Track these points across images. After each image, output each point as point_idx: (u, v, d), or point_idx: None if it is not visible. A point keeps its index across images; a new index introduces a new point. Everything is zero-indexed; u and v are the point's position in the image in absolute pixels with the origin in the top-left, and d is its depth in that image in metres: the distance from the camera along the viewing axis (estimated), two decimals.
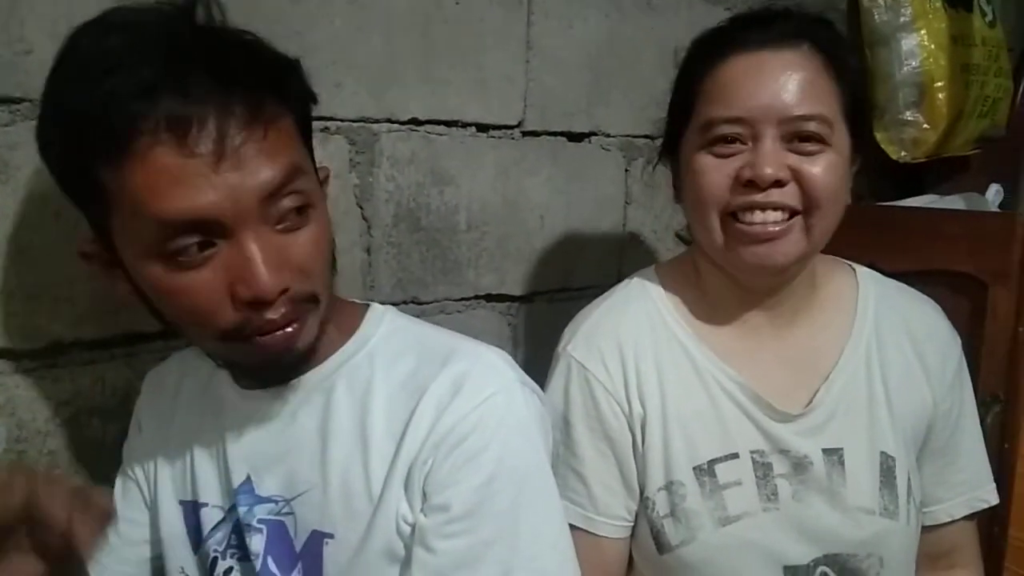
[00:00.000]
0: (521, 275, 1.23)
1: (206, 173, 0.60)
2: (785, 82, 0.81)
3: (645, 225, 1.36)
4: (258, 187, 0.62)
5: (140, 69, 0.59)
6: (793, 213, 0.82)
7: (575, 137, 1.26)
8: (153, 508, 0.82)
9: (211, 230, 0.62)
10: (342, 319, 0.78)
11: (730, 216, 0.84)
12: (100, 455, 0.89)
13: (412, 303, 1.13)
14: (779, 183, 0.81)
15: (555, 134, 1.23)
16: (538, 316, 1.25)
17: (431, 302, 1.14)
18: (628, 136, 1.31)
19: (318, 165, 0.74)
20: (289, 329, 0.67)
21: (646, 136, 1.32)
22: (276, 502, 0.75)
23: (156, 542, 0.83)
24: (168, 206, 0.60)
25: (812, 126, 0.81)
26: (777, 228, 0.82)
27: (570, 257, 1.28)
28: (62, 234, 0.83)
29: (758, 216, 0.82)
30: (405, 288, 1.12)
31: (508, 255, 1.21)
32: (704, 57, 0.87)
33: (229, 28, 0.67)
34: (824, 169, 0.81)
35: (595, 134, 1.28)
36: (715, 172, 0.83)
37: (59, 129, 0.64)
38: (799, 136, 0.81)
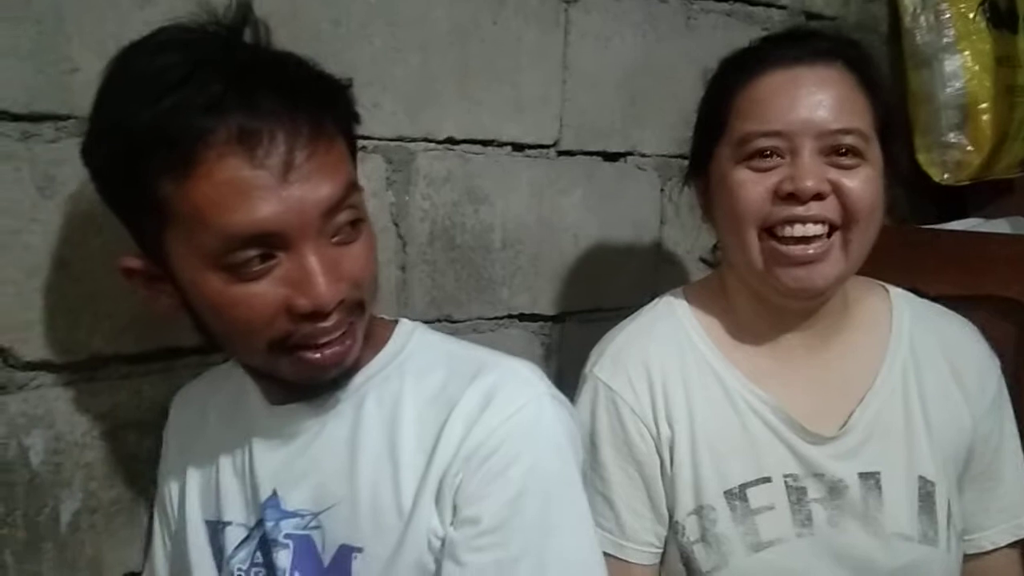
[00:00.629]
0: (555, 294, 1.22)
1: (273, 186, 0.62)
2: (822, 97, 0.81)
3: (680, 245, 1.35)
4: (321, 201, 0.64)
5: (206, 85, 0.61)
6: (832, 229, 0.82)
7: (610, 157, 1.25)
8: (180, 528, 0.83)
9: (274, 242, 0.64)
10: (372, 333, 0.78)
11: (767, 233, 0.83)
12: (136, 468, 0.90)
13: (445, 321, 1.13)
14: (819, 196, 0.80)
15: (590, 154, 1.23)
16: (571, 336, 1.24)
17: (464, 320, 1.14)
18: (664, 156, 1.30)
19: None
20: (338, 347, 0.68)
21: (682, 156, 1.30)
22: (303, 516, 0.75)
23: (179, 560, 0.83)
24: (235, 218, 0.62)
25: (849, 140, 0.81)
26: (817, 251, 0.81)
27: (604, 277, 1.27)
28: (104, 249, 0.84)
29: (798, 230, 0.81)
30: (439, 306, 1.11)
31: (542, 274, 1.20)
32: (737, 73, 0.87)
33: (282, 50, 0.69)
34: (863, 182, 0.81)
35: (631, 154, 1.27)
36: (754, 185, 0.82)
37: (116, 145, 0.64)
38: (836, 150, 0.81)
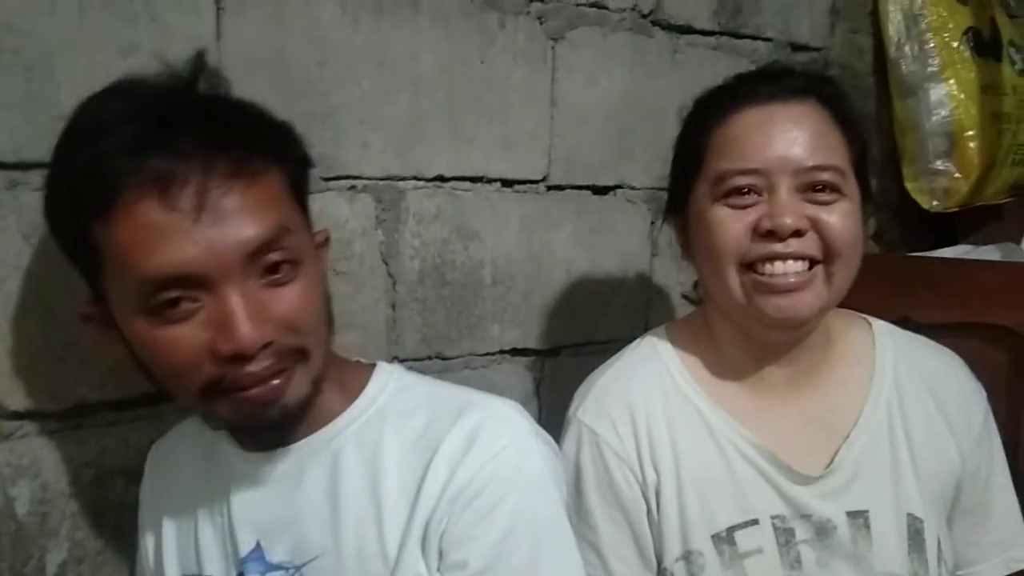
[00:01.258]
0: (546, 330, 1.22)
1: (187, 228, 0.62)
2: (797, 134, 0.82)
3: (671, 278, 1.35)
4: (240, 243, 0.63)
5: (130, 128, 0.62)
6: (813, 263, 0.81)
7: (600, 191, 1.25)
8: None
9: (193, 284, 0.63)
10: (348, 380, 0.78)
11: (747, 268, 0.83)
12: (123, 517, 0.88)
13: (437, 358, 1.12)
14: (798, 233, 0.80)
15: (580, 188, 1.23)
16: (564, 371, 1.24)
17: (456, 357, 1.14)
18: (653, 189, 1.30)
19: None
20: (274, 382, 0.66)
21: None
22: (286, 569, 0.74)
23: None
24: (151, 261, 0.61)
25: (826, 176, 0.81)
26: (799, 279, 0.81)
27: (596, 311, 1.27)
28: (85, 296, 0.84)
29: (778, 267, 0.81)
30: (430, 344, 1.11)
31: (533, 310, 1.20)
32: (712, 112, 0.87)
33: (230, 96, 0.69)
34: (841, 217, 0.81)
35: (620, 187, 1.27)
36: (732, 223, 0.82)
37: (56, 190, 0.67)
38: (813, 186, 0.81)
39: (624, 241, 1.29)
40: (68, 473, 0.86)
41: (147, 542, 0.84)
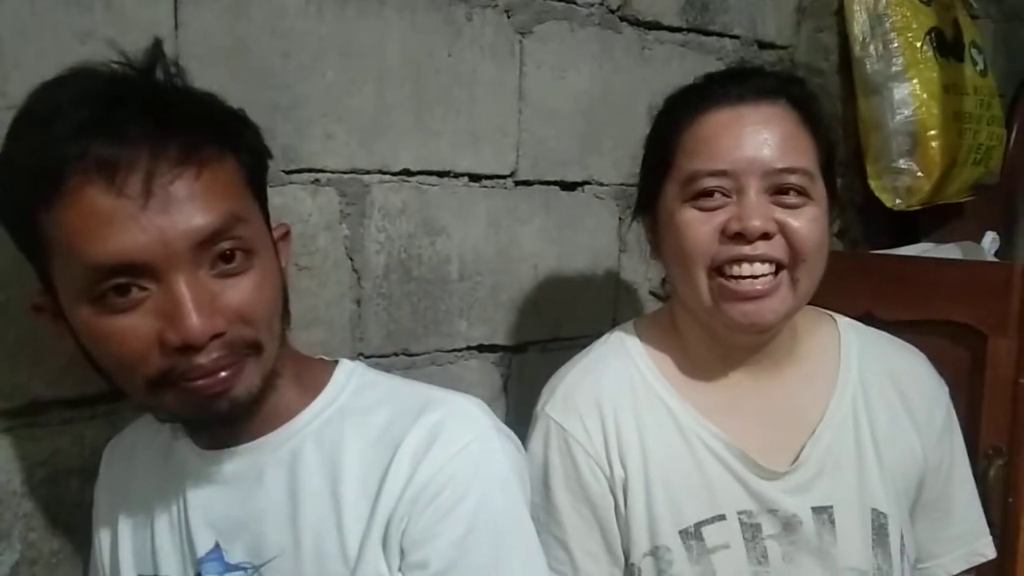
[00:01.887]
0: (514, 325, 1.21)
1: (135, 215, 0.60)
2: (767, 135, 0.82)
3: (639, 273, 1.35)
4: (189, 231, 0.62)
5: (78, 113, 0.60)
6: (779, 268, 0.82)
7: (568, 186, 1.25)
8: None
9: (140, 272, 0.61)
10: (308, 377, 0.77)
11: (715, 271, 0.83)
12: (78, 517, 0.86)
13: (403, 355, 1.11)
14: (766, 235, 0.80)
15: (548, 183, 1.23)
16: (531, 366, 1.23)
17: (422, 354, 1.12)
18: (621, 185, 1.30)
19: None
20: (223, 374, 0.64)
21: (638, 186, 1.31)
22: (245, 569, 0.73)
23: None
24: (97, 248, 0.60)
25: (794, 179, 0.81)
26: (765, 286, 0.81)
27: (564, 306, 1.26)
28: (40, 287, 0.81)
29: (746, 269, 0.81)
30: (396, 340, 1.10)
31: (500, 305, 1.19)
32: (681, 111, 0.87)
33: (184, 85, 0.68)
34: (809, 221, 0.82)
35: (588, 183, 1.27)
36: (701, 225, 0.82)
37: (3, 176, 0.65)
38: (781, 189, 0.82)
39: (592, 237, 1.28)
40: (21, 472, 0.83)
41: (102, 542, 0.82)
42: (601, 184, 1.28)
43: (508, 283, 1.20)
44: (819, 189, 0.84)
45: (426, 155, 1.09)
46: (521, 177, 1.19)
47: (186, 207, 0.62)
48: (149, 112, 0.62)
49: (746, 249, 0.80)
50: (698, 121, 0.84)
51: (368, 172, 1.05)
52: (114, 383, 0.68)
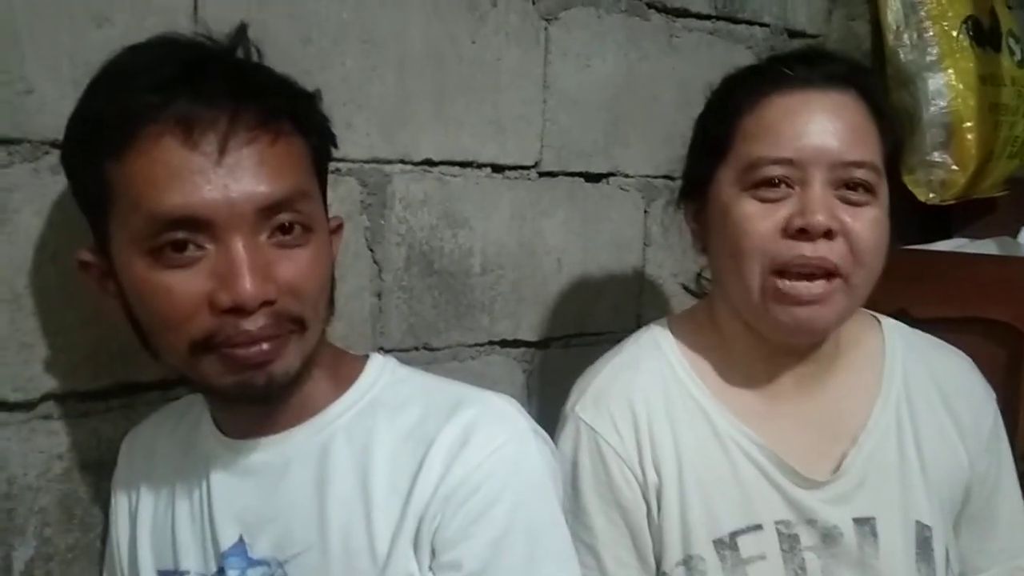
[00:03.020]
0: (537, 320, 1.18)
1: (205, 170, 0.61)
2: (836, 125, 0.77)
3: (664, 268, 1.32)
4: (256, 195, 0.62)
5: (160, 71, 0.62)
6: (835, 274, 0.77)
7: (593, 178, 1.22)
8: None
9: (201, 228, 0.61)
10: (340, 370, 0.75)
11: (772, 273, 0.78)
12: (94, 512, 0.85)
13: (424, 349, 1.08)
14: (829, 234, 0.76)
15: (572, 175, 1.20)
16: (554, 362, 1.21)
17: (443, 348, 1.10)
18: (647, 177, 1.27)
19: (332, 214, 0.74)
20: (265, 346, 0.63)
21: (665, 177, 1.28)
22: (269, 565, 0.71)
23: None
24: (163, 198, 0.60)
25: (861, 173, 0.77)
26: (820, 290, 0.77)
27: (587, 301, 1.23)
28: (58, 280, 0.80)
29: (802, 285, 0.77)
30: (417, 334, 1.07)
31: (523, 299, 1.17)
32: (744, 94, 0.82)
33: (264, 65, 0.69)
34: (871, 224, 0.77)
35: (613, 175, 1.24)
36: (761, 220, 0.78)
37: (76, 128, 0.66)
38: (847, 184, 0.77)
39: (617, 230, 1.25)
40: (36, 467, 0.81)
41: (120, 536, 0.80)
42: (626, 176, 1.25)
43: (531, 277, 1.17)
44: (883, 187, 0.79)
45: (448, 145, 1.07)
46: (545, 168, 1.17)
47: (256, 172, 0.62)
48: (231, 78, 0.63)
49: (807, 249, 0.76)
50: (762, 104, 0.79)
51: (389, 162, 1.02)
52: (154, 345, 0.67)
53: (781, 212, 0.77)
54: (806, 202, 0.76)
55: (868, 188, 0.78)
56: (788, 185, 0.77)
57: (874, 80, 0.84)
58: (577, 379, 0.91)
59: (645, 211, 1.28)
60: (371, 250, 1.03)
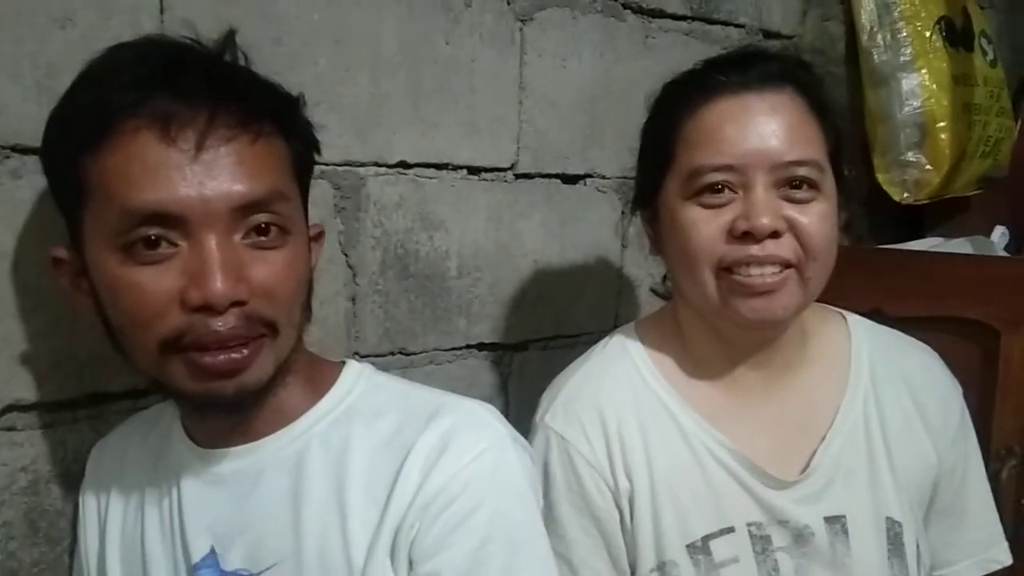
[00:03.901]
0: (514, 323, 1.18)
1: (181, 166, 0.60)
2: (774, 126, 0.77)
3: (642, 269, 1.31)
4: (232, 194, 0.61)
5: (139, 69, 0.62)
6: (787, 266, 0.78)
7: (569, 179, 1.21)
8: None
9: (173, 225, 0.60)
10: (316, 377, 0.74)
11: (723, 271, 0.79)
12: (60, 526, 0.83)
13: (400, 354, 1.07)
14: (775, 234, 0.76)
15: (549, 176, 1.19)
16: (532, 365, 1.20)
17: (420, 352, 1.09)
18: (623, 178, 1.26)
19: (313, 222, 0.74)
20: (235, 355, 0.62)
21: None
22: None
23: None
24: (137, 193, 0.59)
25: (804, 171, 0.77)
26: (775, 279, 0.77)
27: (565, 303, 1.23)
28: (22, 288, 0.78)
29: (754, 271, 0.77)
30: (392, 338, 1.06)
31: (501, 302, 1.16)
32: (683, 101, 0.82)
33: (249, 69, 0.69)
34: (818, 218, 0.78)
35: (590, 176, 1.23)
36: (706, 225, 0.78)
37: (56, 124, 0.66)
38: (790, 183, 0.77)
39: (594, 232, 1.25)
40: (0, 479, 0.79)
41: (88, 548, 0.78)
42: (603, 177, 1.25)
43: (508, 279, 1.16)
44: (828, 181, 0.80)
45: (423, 147, 1.05)
46: (521, 170, 1.16)
47: (234, 170, 0.62)
48: (212, 77, 0.63)
49: (754, 250, 0.76)
50: (700, 112, 0.80)
51: (363, 164, 1.01)
52: (124, 345, 0.65)
53: (726, 216, 0.78)
54: (749, 206, 0.76)
55: (812, 184, 0.78)
56: (731, 190, 0.78)
57: (812, 75, 0.83)
58: (546, 388, 0.90)
59: (622, 212, 1.28)
60: (345, 254, 1.01)
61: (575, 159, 1.21)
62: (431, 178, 1.07)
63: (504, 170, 1.14)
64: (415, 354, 1.08)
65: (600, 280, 1.27)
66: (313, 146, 0.73)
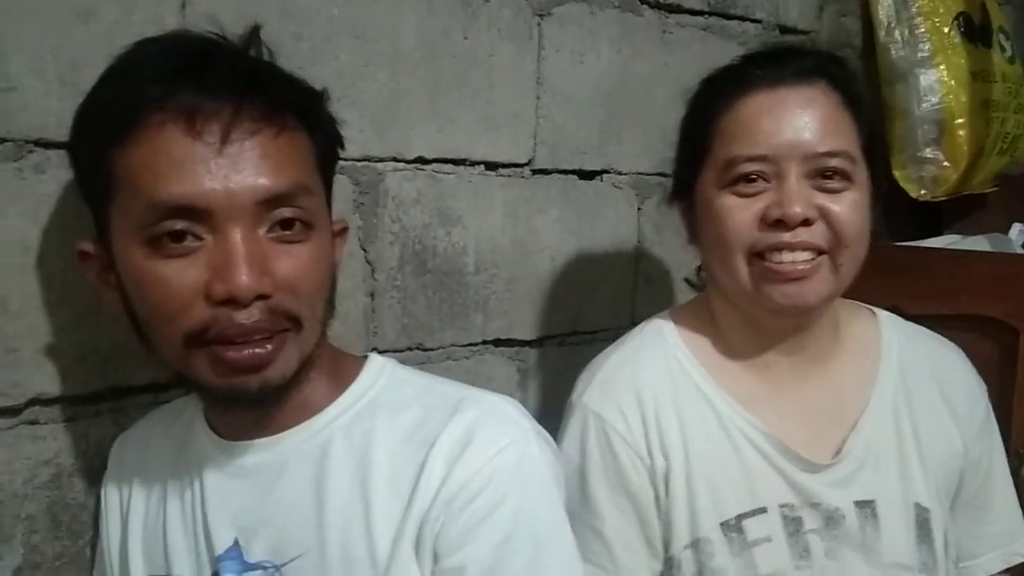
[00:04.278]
0: (531, 319, 1.17)
1: (207, 160, 0.60)
2: (807, 118, 0.79)
3: (658, 265, 1.31)
4: (257, 187, 0.61)
5: (165, 63, 0.62)
6: (819, 252, 0.79)
7: (586, 175, 1.21)
8: None
9: (199, 219, 0.61)
10: (338, 370, 0.74)
11: (755, 257, 0.81)
12: (83, 519, 0.83)
13: (418, 349, 1.07)
14: (807, 222, 0.78)
15: (566, 172, 1.19)
16: (549, 361, 1.20)
17: (437, 348, 1.09)
18: (640, 174, 1.26)
19: (336, 217, 0.73)
20: (259, 350, 0.63)
21: (659, 174, 1.27)
22: (265, 568, 0.69)
23: None
24: (163, 186, 0.60)
25: (836, 162, 0.79)
26: (807, 266, 0.79)
27: (582, 299, 1.22)
28: (45, 282, 0.78)
29: (786, 256, 0.79)
30: (410, 334, 1.06)
31: (517, 298, 1.15)
32: (719, 95, 0.85)
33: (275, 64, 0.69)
34: (850, 206, 0.79)
35: (607, 172, 1.23)
36: (740, 212, 0.80)
37: (83, 117, 0.66)
38: (823, 173, 0.79)
39: (611, 228, 1.24)
40: (23, 473, 0.79)
41: (111, 541, 0.79)
42: (620, 173, 1.24)
43: (525, 275, 1.16)
44: (861, 172, 0.81)
45: (441, 142, 1.05)
46: (539, 166, 1.15)
47: (258, 164, 0.62)
48: (237, 71, 0.63)
49: (786, 236, 0.78)
50: (736, 105, 0.82)
51: (382, 160, 1.01)
52: (150, 338, 0.66)
53: (759, 204, 0.80)
54: (782, 194, 0.79)
55: (844, 175, 0.80)
56: (765, 180, 0.80)
57: (845, 70, 0.86)
58: (582, 371, 0.91)
59: (639, 208, 1.27)
60: (364, 249, 1.01)
61: (592, 155, 1.21)
62: (449, 174, 1.07)
63: (521, 166, 1.14)
64: (432, 350, 1.08)
65: (617, 276, 1.26)
66: (337, 140, 0.73)
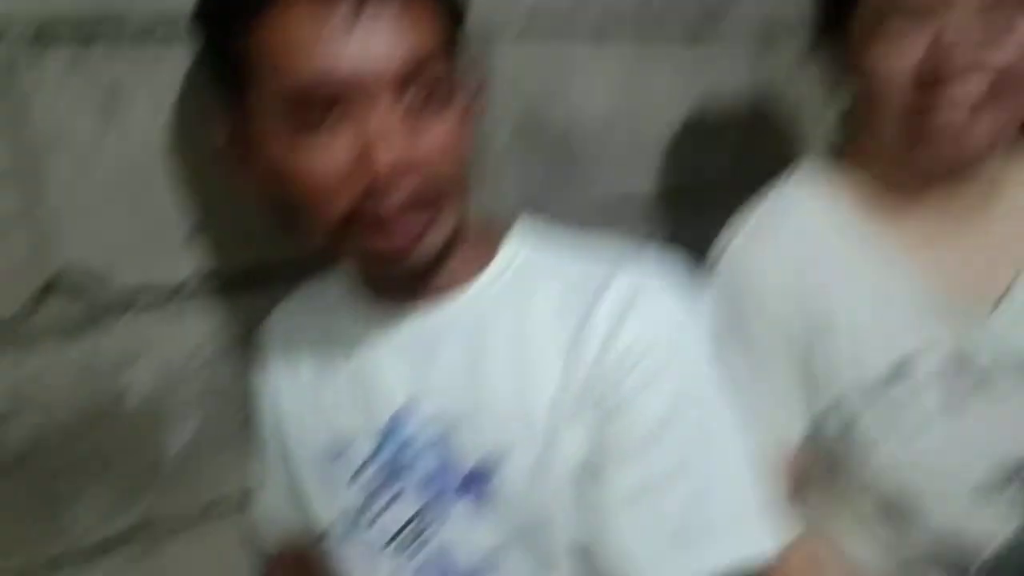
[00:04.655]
0: (651, 180, 1.14)
1: (341, 38, 0.58)
2: None
3: (782, 116, 1.25)
4: (394, 60, 0.59)
5: None
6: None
7: (706, 19, 1.14)
8: (292, 454, 0.79)
9: (339, 98, 0.59)
10: (489, 236, 0.73)
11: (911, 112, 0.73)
12: (243, 394, 0.84)
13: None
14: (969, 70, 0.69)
15: (681, 22, 1.13)
16: (674, 221, 1.17)
17: (556, 215, 1.07)
18: (763, 23, 1.19)
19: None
20: (407, 233, 0.63)
21: (782, 22, 1.20)
22: (434, 427, 0.71)
23: (296, 488, 0.80)
24: (300, 67, 0.59)
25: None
26: (963, 119, 0.71)
27: (702, 155, 1.18)
28: (192, 160, 0.78)
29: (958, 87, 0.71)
30: (529, 202, 1.04)
31: (634, 161, 1.12)
32: None
33: None
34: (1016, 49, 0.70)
35: (727, 18, 1.16)
36: (896, 61, 0.72)
37: (211, 8, 0.64)
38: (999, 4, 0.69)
39: (731, 81, 1.19)
40: (183, 352, 0.81)
41: (276, 410, 0.81)
42: (741, 21, 1.18)
43: (644, 135, 1.12)
44: None
45: (549, 3, 1.00)
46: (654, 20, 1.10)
47: (393, 37, 0.60)
48: None
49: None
50: None
51: (490, 26, 0.96)
52: (295, 225, 0.66)
53: (917, 49, 0.71)
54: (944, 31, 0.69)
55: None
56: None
57: None
58: (734, 217, 0.87)
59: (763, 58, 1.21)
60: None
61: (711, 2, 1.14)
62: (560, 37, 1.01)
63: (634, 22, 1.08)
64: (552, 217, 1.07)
65: (737, 130, 1.21)
66: (464, 5, 0.69)
